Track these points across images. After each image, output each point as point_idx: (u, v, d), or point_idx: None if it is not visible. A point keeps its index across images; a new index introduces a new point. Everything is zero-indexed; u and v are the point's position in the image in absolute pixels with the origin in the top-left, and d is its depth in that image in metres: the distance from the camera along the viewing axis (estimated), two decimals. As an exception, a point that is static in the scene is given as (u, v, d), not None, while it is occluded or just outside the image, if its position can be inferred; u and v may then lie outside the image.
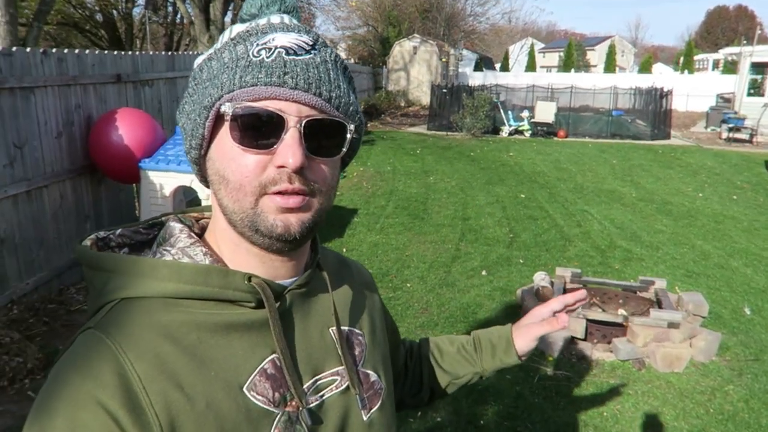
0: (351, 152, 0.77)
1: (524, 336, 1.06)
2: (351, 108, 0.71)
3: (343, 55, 29.21)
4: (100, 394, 0.60)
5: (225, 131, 0.67)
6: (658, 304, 4.37)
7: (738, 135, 15.07)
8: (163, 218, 0.80)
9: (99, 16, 18.87)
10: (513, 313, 4.72)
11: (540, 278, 4.65)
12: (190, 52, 7.20)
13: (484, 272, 5.64)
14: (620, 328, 4.18)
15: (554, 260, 5.99)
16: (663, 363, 3.89)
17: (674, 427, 3.29)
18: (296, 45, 0.67)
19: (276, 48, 0.66)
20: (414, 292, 5.12)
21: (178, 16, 19.92)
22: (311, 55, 0.68)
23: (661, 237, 6.93)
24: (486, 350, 1.09)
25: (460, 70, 29.29)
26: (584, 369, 3.88)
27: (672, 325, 4.03)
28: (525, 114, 15.93)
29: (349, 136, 0.71)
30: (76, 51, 4.92)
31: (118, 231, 0.77)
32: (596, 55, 51.23)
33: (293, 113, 0.66)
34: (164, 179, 4.92)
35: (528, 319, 1.07)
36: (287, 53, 0.66)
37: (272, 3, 0.72)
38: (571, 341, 4.12)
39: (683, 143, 15.12)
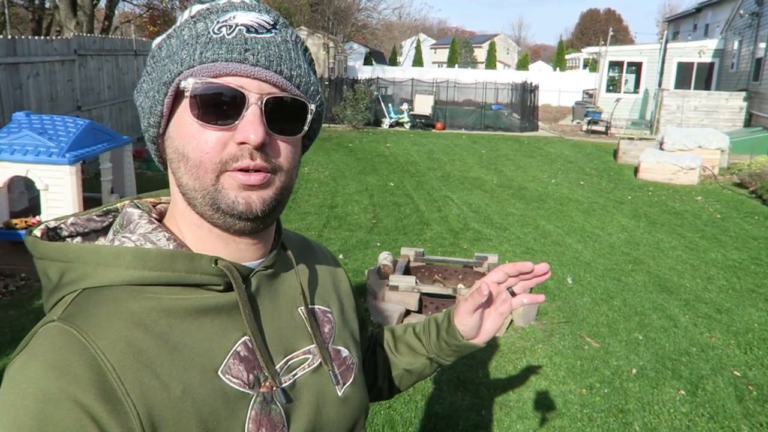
0: (311, 134, 0.77)
1: (458, 313, 0.94)
2: (311, 88, 0.71)
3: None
4: (72, 388, 0.58)
5: (184, 108, 0.67)
6: (488, 277, 4.78)
7: (596, 127, 16.46)
8: (118, 204, 0.78)
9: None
10: (360, 291, 4.96)
11: (383, 258, 4.92)
12: (37, 37, 6.81)
13: (341, 256, 5.86)
14: (452, 300, 4.54)
15: (410, 242, 6.32)
16: (485, 329, 4.28)
17: (484, 383, 3.66)
18: (257, 23, 0.67)
19: (237, 25, 0.66)
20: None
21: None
22: (272, 34, 0.68)
23: (511, 219, 7.50)
24: (432, 331, 0.99)
25: (350, 63, 29.58)
26: (415, 338, 4.18)
27: (495, 294, 4.43)
28: (404, 107, 16.48)
29: (309, 116, 0.71)
30: None
31: (70, 220, 0.74)
32: (483, 52, 53.50)
33: (254, 90, 0.65)
34: (-4, 169, 4.69)
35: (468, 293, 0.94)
36: (248, 31, 0.66)
37: None
38: (407, 314, 4.43)
39: (548, 135, 16.28)
